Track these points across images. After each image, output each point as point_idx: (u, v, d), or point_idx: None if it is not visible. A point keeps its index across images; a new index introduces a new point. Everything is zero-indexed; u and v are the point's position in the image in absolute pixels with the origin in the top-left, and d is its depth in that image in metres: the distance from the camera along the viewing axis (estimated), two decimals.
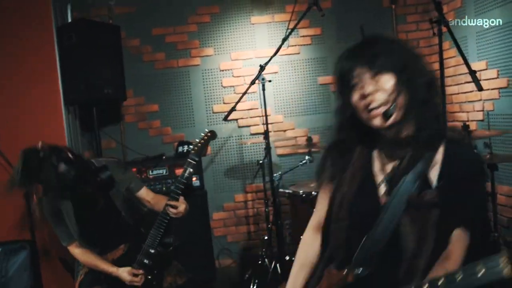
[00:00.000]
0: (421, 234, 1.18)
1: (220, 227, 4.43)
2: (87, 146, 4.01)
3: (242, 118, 4.35)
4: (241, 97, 3.35)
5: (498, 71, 3.40)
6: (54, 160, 2.26)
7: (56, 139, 3.00)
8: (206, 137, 2.56)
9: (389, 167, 1.29)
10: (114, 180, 2.51)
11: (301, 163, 3.68)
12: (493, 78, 3.44)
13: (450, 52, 3.87)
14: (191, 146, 2.56)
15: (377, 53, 1.21)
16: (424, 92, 1.21)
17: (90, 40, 3.42)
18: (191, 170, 2.47)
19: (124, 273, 2.43)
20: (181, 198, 2.48)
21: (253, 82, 3.23)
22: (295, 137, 4.35)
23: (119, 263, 2.50)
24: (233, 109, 3.29)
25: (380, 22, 4.35)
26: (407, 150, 1.25)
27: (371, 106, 1.22)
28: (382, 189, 1.28)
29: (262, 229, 4.39)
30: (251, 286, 3.60)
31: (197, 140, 2.55)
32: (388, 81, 1.20)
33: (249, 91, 3.37)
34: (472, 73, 2.10)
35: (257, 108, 4.28)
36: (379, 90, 1.21)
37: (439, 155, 1.23)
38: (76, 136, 3.72)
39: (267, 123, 3.41)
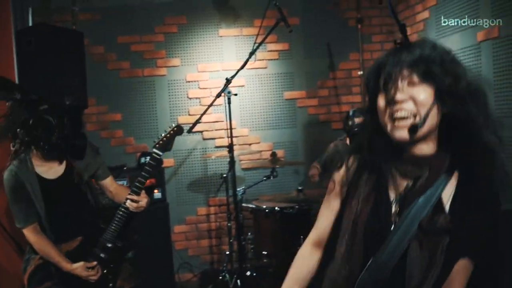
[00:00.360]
0: (429, 260, 1.11)
1: (182, 241, 4.34)
2: None
3: (207, 131, 4.30)
4: (206, 110, 3.30)
5: None
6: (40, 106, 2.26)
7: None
8: (172, 132, 2.51)
9: (402, 185, 1.20)
10: (85, 150, 2.46)
11: (264, 179, 3.67)
12: None
13: None
14: (156, 140, 2.50)
15: (424, 60, 1.09)
16: (463, 113, 1.10)
17: (50, 45, 3.29)
18: (154, 163, 2.43)
19: (78, 269, 2.34)
20: (143, 192, 2.44)
21: (218, 95, 3.20)
22: (260, 151, 4.34)
23: (73, 255, 2.39)
24: (197, 121, 3.25)
25: (346, 41, 4.43)
26: (423, 170, 1.16)
27: (397, 115, 1.11)
28: (393, 209, 1.20)
29: (224, 244, 4.33)
30: None
31: (163, 134, 2.50)
32: (425, 92, 1.09)
33: (215, 103, 3.34)
34: None
35: (222, 121, 4.24)
36: (412, 99, 1.10)
37: (453, 178, 1.14)
38: None
39: (231, 137, 3.38)
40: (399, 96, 1.10)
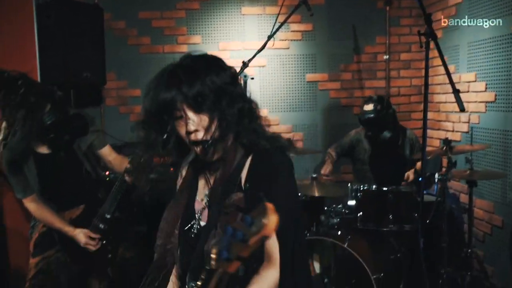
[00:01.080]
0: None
1: None
2: None
3: None
4: None
5: (486, 84, 3.34)
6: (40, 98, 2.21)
7: None
8: None
9: (210, 183, 1.39)
10: (88, 130, 2.42)
11: None
12: (481, 91, 3.38)
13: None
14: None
15: (198, 94, 1.24)
16: (236, 122, 1.29)
17: (69, 20, 3.29)
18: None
19: (80, 234, 2.37)
20: None
21: None
22: (279, 133, 4.27)
23: (75, 223, 2.42)
24: None
25: (373, 23, 4.26)
26: (219, 168, 1.36)
27: (193, 141, 1.28)
28: (205, 207, 1.38)
29: None
30: None
31: None
32: (206, 120, 1.26)
33: None
34: (456, 92, 2.03)
35: None
36: (200, 129, 1.27)
37: (248, 162, 1.34)
38: None
39: None
40: (190, 127, 1.26)
